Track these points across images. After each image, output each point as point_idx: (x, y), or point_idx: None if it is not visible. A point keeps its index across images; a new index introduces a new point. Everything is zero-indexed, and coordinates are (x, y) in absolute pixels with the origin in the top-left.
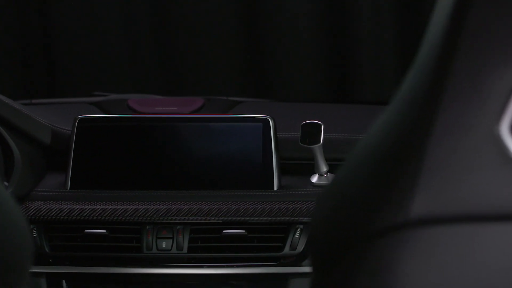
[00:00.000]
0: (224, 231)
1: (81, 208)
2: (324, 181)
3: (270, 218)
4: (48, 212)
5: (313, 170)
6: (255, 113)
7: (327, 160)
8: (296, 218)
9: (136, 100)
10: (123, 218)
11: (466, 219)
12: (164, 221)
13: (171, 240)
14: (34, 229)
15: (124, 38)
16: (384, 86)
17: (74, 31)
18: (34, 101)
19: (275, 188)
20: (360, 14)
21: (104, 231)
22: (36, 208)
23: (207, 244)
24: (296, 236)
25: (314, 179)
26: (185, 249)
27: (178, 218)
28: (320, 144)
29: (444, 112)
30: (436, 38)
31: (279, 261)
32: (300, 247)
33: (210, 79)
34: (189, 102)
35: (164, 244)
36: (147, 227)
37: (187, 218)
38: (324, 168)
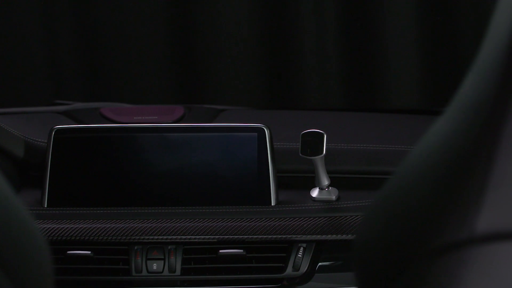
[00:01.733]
0: (220, 251)
1: (62, 228)
2: (325, 196)
3: (270, 236)
4: None
5: (313, 183)
6: (241, 122)
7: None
8: (298, 236)
9: (110, 109)
10: (109, 238)
11: None
12: (154, 240)
13: (162, 261)
14: None
15: (44, 44)
16: (328, 92)
17: None
18: None
19: (273, 204)
20: (302, 18)
21: (89, 252)
22: None
23: (202, 265)
24: (298, 255)
25: (315, 193)
26: (178, 271)
27: (170, 237)
28: (322, 155)
29: None
30: (501, 42)
31: (280, 283)
32: (304, 268)
33: (138, 85)
34: (169, 111)
35: (155, 266)
36: (136, 248)
37: (179, 237)
38: (325, 181)
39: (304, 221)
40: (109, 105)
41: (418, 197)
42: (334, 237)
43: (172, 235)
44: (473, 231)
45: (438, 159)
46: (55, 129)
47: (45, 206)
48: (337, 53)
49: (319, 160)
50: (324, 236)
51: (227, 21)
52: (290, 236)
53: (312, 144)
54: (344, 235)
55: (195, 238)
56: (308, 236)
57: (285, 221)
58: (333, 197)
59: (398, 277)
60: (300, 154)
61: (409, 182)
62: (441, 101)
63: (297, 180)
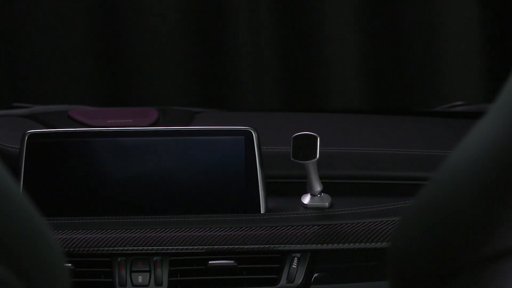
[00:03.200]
0: (210, 262)
1: None
2: (318, 202)
3: (262, 246)
4: None
5: (303, 189)
6: (219, 124)
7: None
8: (292, 245)
9: (79, 112)
10: (90, 249)
11: None
12: (138, 251)
13: (148, 273)
14: None
15: None
16: (265, 92)
17: None
18: None
19: (262, 211)
20: (237, 15)
21: (69, 265)
22: None
23: (190, 277)
24: (293, 266)
25: (306, 200)
26: (165, 284)
27: (155, 248)
28: (315, 159)
29: None
30: None
31: None
32: (299, 279)
33: (61, 87)
34: (142, 113)
35: (140, 279)
36: (119, 259)
37: (165, 247)
38: (318, 187)
39: (297, 230)
40: (74, 108)
41: (467, 203)
42: (330, 246)
43: (158, 246)
44: None
45: (486, 163)
46: (28, 134)
47: None
48: (274, 51)
49: (311, 165)
50: (319, 245)
51: (154, 14)
52: (283, 245)
53: (304, 147)
54: (340, 244)
55: (182, 249)
56: (303, 245)
57: (276, 230)
58: (326, 204)
59: (444, 286)
60: (292, 158)
61: (454, 188)
62: (383, 100)
63: (287, 186)
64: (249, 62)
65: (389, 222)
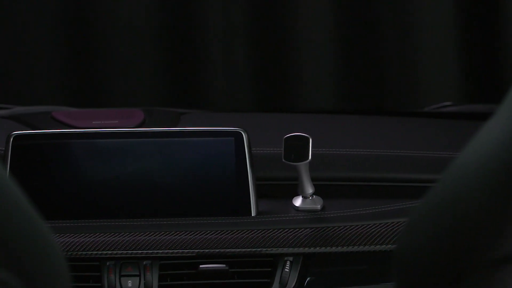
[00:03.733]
0: (201, 266)
1: None
2: (309, 205)
3: (254, 249)
4: None
5: (295, 192)
6: (205, 125)
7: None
8: (284, 249)
9: (63, 113)
10: (78, 253)
11: None
12: (128, 255)
13: (137, 278)
14: None
15: None
16: (237, 92)
17: None
18: None
19: (253, 214)
20: (208, 15)
21: None
22: None
23: (180, 281)
24: (285, 270)
25: (298, 202)
26: None
27: (145, 251)
28: (307, 161)
29: None
30: None
31: None
32: (291, 283)
33: (30, 86)
34: (127, 114)
35: (130, 283)
36: (108, 263)
37: (155, 251)
38: (309, 190)
39: (288, 233)
40: (57, 109)
41: (475, 206)
42: (322, 249)
43: (148, 250)
44: None
45: (495, 166)
46: (13, 136)
47: None
48: (247, 51)
49: (303, 166)
50: (312, 248)
51: (127, 16)
52: (275, 249)
53: (296, 149)
54: (333, 248)
55: (172, 253)
56: (295, 249)
57: (268, 233)
58: (318, 206)
59: None
60: (283, 160)
61: (462, 190)
62: (359, 102)
63: (278, 188)
64: (221, 63)
65: (382, 224)
